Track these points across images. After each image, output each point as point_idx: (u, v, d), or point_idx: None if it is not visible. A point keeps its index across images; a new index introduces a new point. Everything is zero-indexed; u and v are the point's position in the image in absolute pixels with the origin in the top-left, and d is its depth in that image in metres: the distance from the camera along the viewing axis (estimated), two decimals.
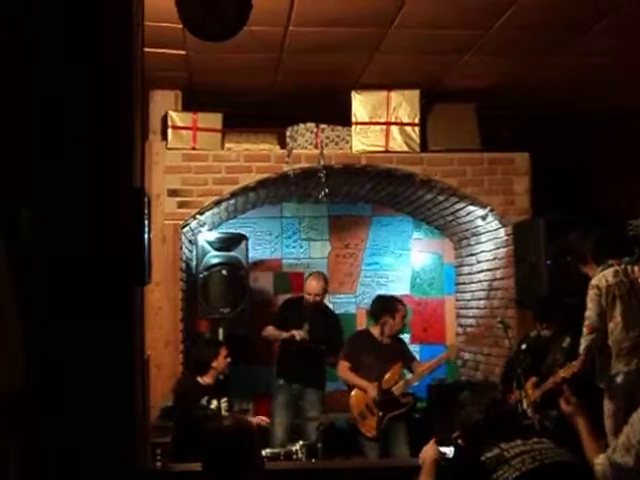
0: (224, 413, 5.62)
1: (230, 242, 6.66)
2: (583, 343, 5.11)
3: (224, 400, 5.73)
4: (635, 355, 5.00)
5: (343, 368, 6.49)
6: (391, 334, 6.46)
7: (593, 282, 5.12)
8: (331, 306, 7.72)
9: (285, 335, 6.67)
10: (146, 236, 2.85)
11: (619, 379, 4.99)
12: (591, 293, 5.10)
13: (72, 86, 2.67)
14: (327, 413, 6.39)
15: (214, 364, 5.77)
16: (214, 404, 5.65)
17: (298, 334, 6.58)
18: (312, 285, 6.82)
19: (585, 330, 5.10)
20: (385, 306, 6.56)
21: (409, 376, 6.49)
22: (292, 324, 6.70)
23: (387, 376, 6.30)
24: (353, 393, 6.39)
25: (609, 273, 5.09)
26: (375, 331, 6.49)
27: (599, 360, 5.10)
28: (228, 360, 5.84)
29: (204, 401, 5.61)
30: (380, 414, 6.21)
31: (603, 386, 5.09)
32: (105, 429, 2.62)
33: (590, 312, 5.08)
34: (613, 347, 5.02)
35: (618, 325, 5.01)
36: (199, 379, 5.75)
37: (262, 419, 5.86)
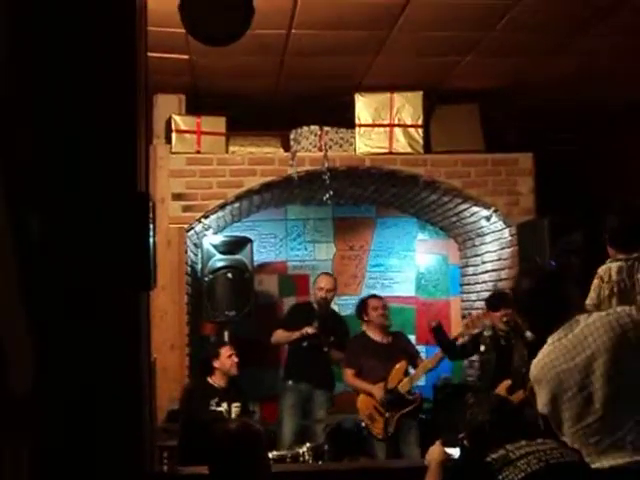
0: (233, 417, 5.63)
1: (235, 245, 6.67)
2: None
3: (236, 405, 5.72)
4: None
5: (348, 376, 6.51)
6: (378, 329, 6.51)
7: (599, 271, 5.08)
8: (336, 308, 7.73)
9: (297, 334, 6.67)
10: (151, 240, 2.86)
11: None
12: (595, 282, 5.06)
13: (77, 91, 2.69)
14: (332, 414, 6.38)
15: (216, 364, 5.82)
16: (224, 407, 5.66)
17: (309, 329, 6.60)
18: (324, 280, 6.92)
19: None
20: (359, 307, 6.71)
21: (413, 372, 6.49)
22: (301, 327, 6.71)
23: (392, 375, 6.30)
24: (360, 398, 6.39)
25: (614, 268, 5.05)
26: (371, 333, 6.53)
27: None
28: (234, 360, 5.85)
29: (214, 402, 5.63)
30: (387, 415, 6.23)
31: None
32: (112, 433, 2.63)
33: (590, 300, 5.06)
34: None
35: None
36: (209, 379, 5.82)
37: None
